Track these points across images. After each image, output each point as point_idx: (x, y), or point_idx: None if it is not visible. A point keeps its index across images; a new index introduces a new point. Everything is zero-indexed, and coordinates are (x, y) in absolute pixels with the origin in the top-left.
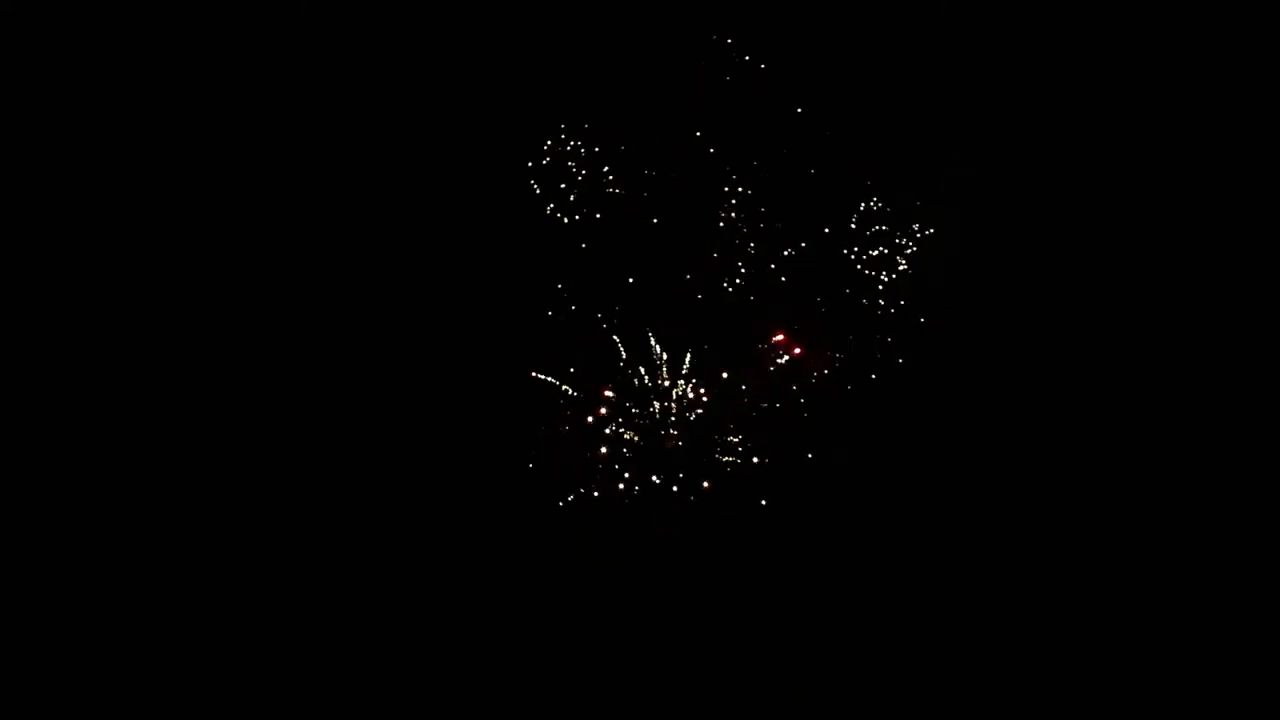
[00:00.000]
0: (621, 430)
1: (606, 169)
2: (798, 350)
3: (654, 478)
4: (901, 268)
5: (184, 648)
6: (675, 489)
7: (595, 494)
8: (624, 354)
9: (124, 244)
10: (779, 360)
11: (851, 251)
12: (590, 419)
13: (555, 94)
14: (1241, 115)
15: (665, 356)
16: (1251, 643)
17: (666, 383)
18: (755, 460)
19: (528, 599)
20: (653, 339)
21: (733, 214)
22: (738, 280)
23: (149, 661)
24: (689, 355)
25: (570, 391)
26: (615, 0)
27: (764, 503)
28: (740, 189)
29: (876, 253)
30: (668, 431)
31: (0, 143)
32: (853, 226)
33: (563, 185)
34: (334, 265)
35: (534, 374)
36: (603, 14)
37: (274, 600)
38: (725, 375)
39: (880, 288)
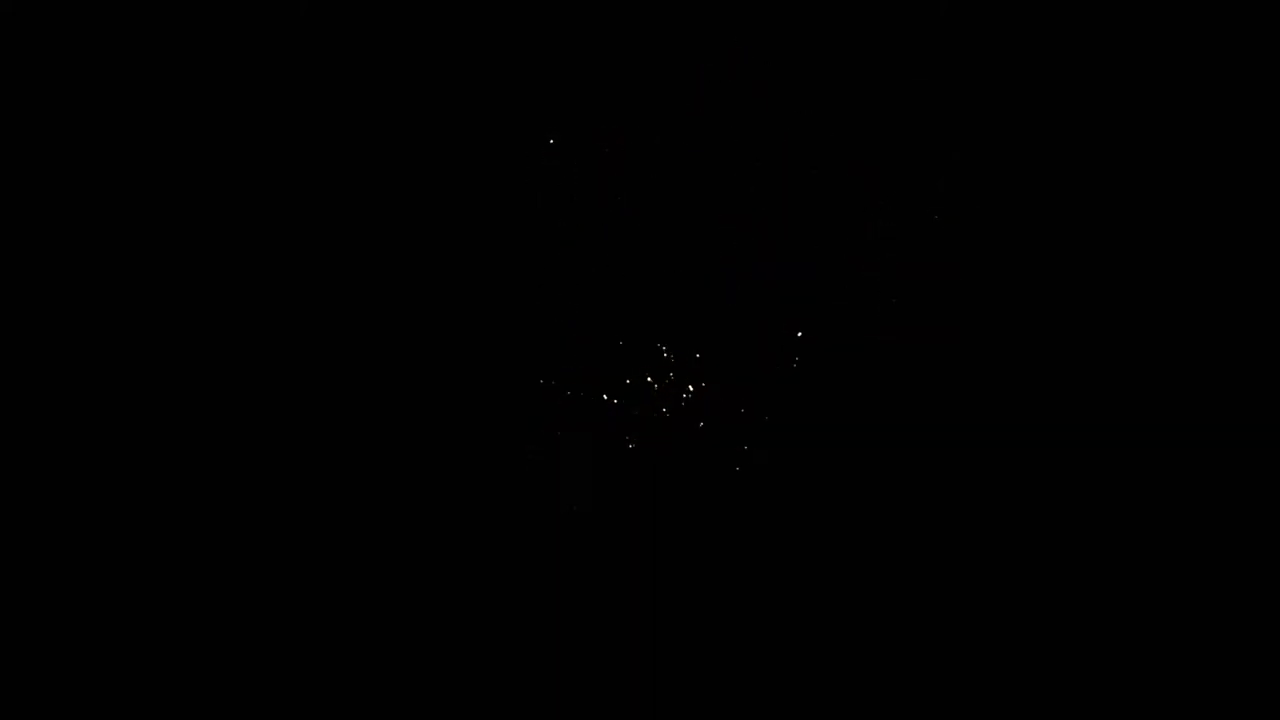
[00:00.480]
0: (626, 435)
1: (609, 169)
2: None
3: (659, 482)
4: (906, 269)
5: (184, 647)
6: (681, 493)
7: (597, 497)
8: (629, 356)
9: (124, 244)
10: (793, 363)
11: (855, 251)
12: (593, 422)
13: (556, 94)
14: (1247, 119)
15: (671, 359)
16: (1251, 643)
17: (672, 384)
18: (761, 464)
19: (529, 603)
20: (659, 341)
21: (736, 215)
22: (742, 282)
23: (149, 661)
24: (697, 357)
25: (572, 394)
26: (616, 1)
27: (769, 506)
28: (744, 189)
29: (881, 254)
30: (674, 435)
31: (1, 142)
32: (855, 227)
33: (564, 185)
34: (332, 266)
35: (537, 377)
36: (603, 14)
37: (275, 601)
38: (732, 377)
39: (884, 289)
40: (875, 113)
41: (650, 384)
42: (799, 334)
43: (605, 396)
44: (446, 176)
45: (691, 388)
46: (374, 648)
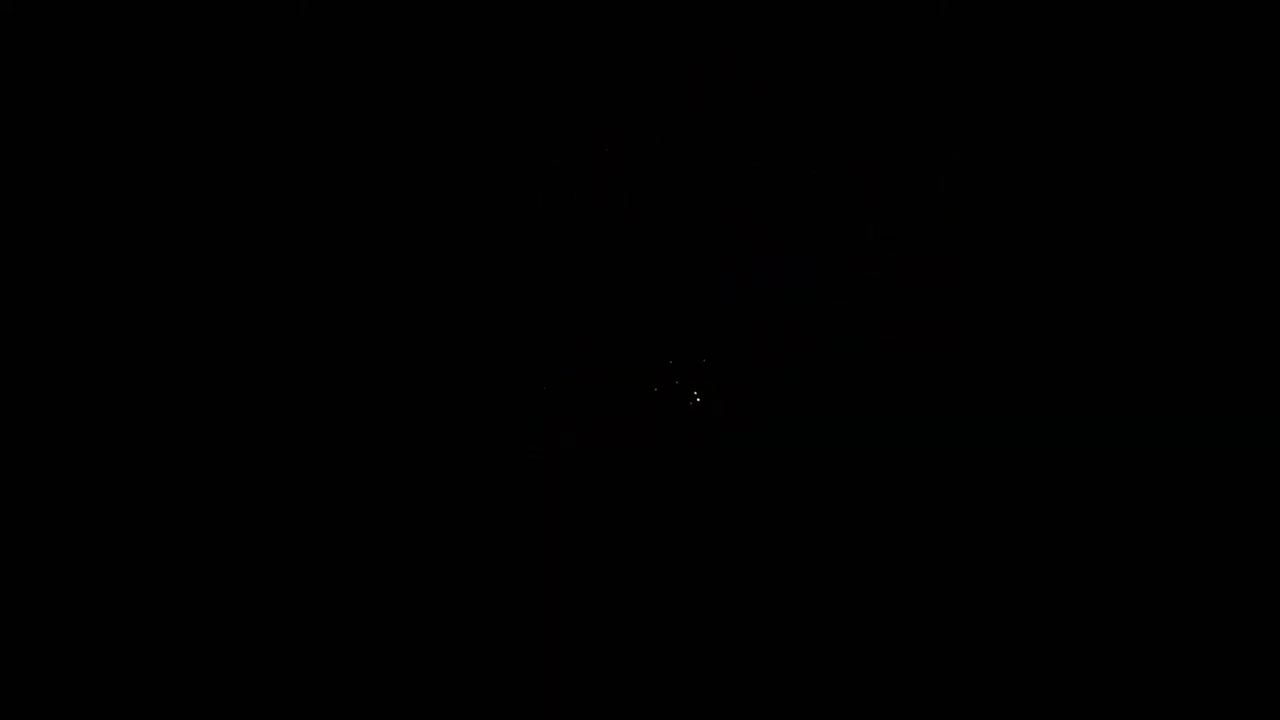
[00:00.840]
0: (627, 437)
1: (609, 169)
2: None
3: (663, 482)
4: (906, 269)
5: (179, 646)
6: (684, 494)
7: (601, 500)
8: (629, 357)
9: (124, 244)
10: (795, 364)
11: (855, 251)
12: (596, 426)
13: (556, 94)
14: (1248, 119)
15: (672, 362)
16: (1252, 643)
17: (674, 386)
18: (764, 465)
19: (528, 605)
20: (660, 342)
21: (736, 215)
22: (742, 283)
23: (149, 661)
24: (702, 360)
25: (572, 396)
26: (615, 1)
27: (771, 506)
28: (744, 189)
29: (881, 254)
30: (677, 437)
31: (1, 142)
32: (855, 227)
33: (564, 185)
34: (331, 266)
35: (537, 379)
36: (603, 14)
37: (272, 600)
38: (734, 378)
39: (884, 289)
40: (875, 113)
41: (652, 386)
42: (799, 335)
43: (606, 398)
44: (446, 176)
45: (695, 391)
46: (371, 648)
